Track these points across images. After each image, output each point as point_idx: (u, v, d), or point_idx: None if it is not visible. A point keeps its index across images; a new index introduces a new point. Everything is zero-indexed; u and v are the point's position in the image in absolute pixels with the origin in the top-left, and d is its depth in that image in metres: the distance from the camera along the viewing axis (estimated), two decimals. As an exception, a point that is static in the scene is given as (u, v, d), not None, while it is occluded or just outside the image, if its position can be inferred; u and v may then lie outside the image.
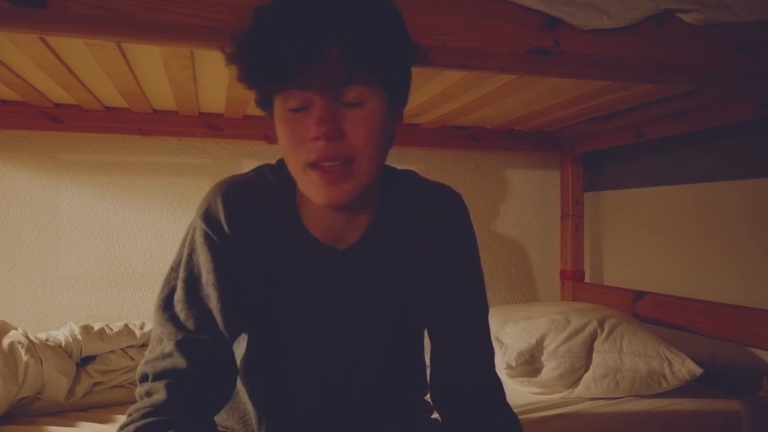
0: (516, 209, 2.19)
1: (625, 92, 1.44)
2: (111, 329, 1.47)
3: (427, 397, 1.02)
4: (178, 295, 0.77)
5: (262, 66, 0.68)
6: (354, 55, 0.67)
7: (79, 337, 1.41)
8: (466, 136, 1.98)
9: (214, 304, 0.76)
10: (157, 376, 0.73)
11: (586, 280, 2.16)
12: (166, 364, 0.73)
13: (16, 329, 1.41)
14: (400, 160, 2.03)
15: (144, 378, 0.75)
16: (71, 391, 1.36)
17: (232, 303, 0.77)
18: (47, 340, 1.39)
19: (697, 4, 1.05)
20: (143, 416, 0.70)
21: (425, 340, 0.95)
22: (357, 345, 0.87)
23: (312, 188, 0.73)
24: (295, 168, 0.74)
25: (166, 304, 0.77)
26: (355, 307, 0.85)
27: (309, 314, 0.84)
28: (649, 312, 1.76)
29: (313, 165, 0.71)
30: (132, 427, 0.69)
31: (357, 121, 0.70)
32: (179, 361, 0.72)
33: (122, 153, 1.81)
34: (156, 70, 1.26)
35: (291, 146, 0.72)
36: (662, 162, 1.84)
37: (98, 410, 1.39)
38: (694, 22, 1.06)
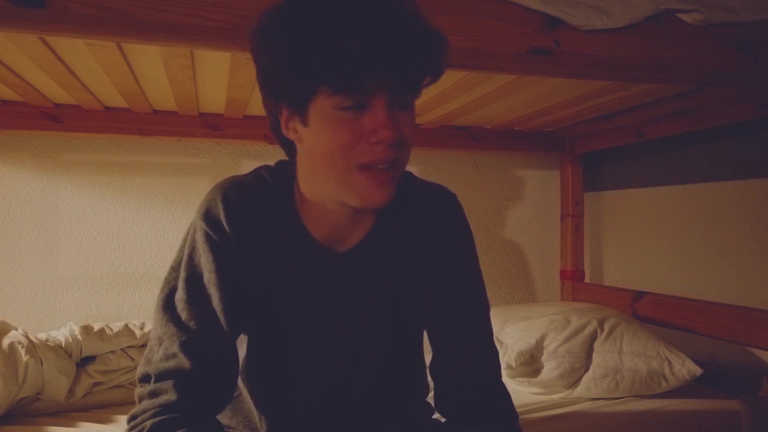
0: (516, 209, 2.19)
1: (625, 92, 1.44)
2: (111, 329, 1.47)
3: (428, 398, 1.02)
4: (180, 295, 0.77)
5: (337, 68, 0.66)
6: (425, 64, 0.69)
7: (79, 337, 1.41)
8: (466, 136, 1.98)
9: (216, 304, 0.76)
10: (161, 377, 0.73)
11: (586, 280, 2.16)
12: (171, 364, 0.73)
13: (16, 329, 1.41)
14: (400, 160, 2.03)
15: (145, 378, 0.75)
16: (71, 392, 1.36)
17: (234, 303, 0.78)
18: (47, 340, 1.39)
19: (697, 4, 1.05)
20: (154, 415, 0.70)
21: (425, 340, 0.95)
22: (358, 346, 0.87)
23: (359, 190, 0.72)
24: (337, 168, 0.72)
25: (167, 305, 0.77)
26: (355, 309, 0.86)
27: (310, 316, 0.85)
28: (649, 312, 1.76)
29: (363, 167, 0.71)
30: (149, 423, 0.69)
31: (407, 124, 0.72)
32: (183, 362, 0.73)
33: (122, 153, 1.81)
34: (156, 70, 1.26)
35: (342, 147, 0.70)
36: (662, 162, 1.84)
37: (98, 410, 1.39)
38: (694, 22, 1.06)
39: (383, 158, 0.70)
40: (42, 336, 1.41)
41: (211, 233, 0.78)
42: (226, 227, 0.78)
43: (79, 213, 1.77)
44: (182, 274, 0.78)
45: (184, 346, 0.73)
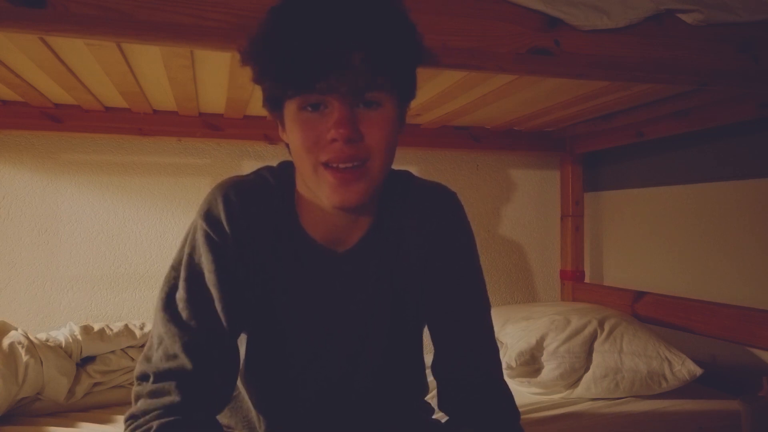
0: (516, 209, 2.19)
1: (625, 92, 1.44)
2: (111, 329, 1.47)
3: (427, 398, 1.02)
4: (180, 294, 0.77)
5: (285, 71, 0.68)
6: (377, 61, 0.67)
7: (79, 337, 1.41)
8: (466, 136, 1.98)
9: (216, 304, 0.76)
10: (162, 377, 0.73)
11: (586, 280, 2.16)
12: (172, 365, 0.73)
13: (16, 329, 1.41)
14: (400, 160, 2.01)
15: (144, 377, 0.75)
16: (71, 392, 1.36)
17: (234, 302, 0.78)
18: (47, 340, 1.39)
19: (697, 4, 1.05)
20: (158, 416, 0.70)
21: (426, 340, 0.95)
22: (357, 346, 0.87)
23: (324, 188, 0.73)
24: (306, 168, 0.74)
25: (167, 304, 0.77)
26: (355, 309, 0.86)
27: (309, 317, 0.85)
28: (649, 312, 1.76)
29: (326, 165, 0.71)
30: (155, 424, 0.69)
31: (374, 123, 0.71)
32: (185, 363, 0.73)
33: (122, 153, 1.81)
34: (156, 70, 1.26)
35: (305, 147, 0.72)
36: (662, 162, 1.84)
37: (98, 410, 1.39)
38: (694, 22, 1.06)
39: (340, 156, 0.70)
40: (42, 336, 1.41)
41: (211, 233, 0.78)
42: (227, 227, 0.78)
43: (79, 213, 1.77)
44: (182, 274, 0.78)
45: (185, 347, 0.73)
